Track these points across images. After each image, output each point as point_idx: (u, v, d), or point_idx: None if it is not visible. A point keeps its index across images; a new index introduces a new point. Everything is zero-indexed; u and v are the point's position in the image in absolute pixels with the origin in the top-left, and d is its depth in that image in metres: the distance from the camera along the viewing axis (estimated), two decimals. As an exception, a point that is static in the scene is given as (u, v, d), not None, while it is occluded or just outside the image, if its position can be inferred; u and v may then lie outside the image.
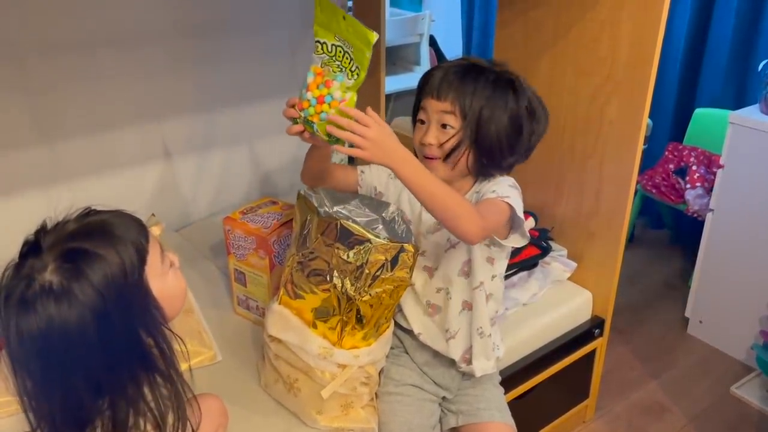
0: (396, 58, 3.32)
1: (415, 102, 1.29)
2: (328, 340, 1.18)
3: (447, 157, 1.22)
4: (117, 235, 0.85)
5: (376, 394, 1.32)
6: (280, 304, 1.23)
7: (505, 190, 1.21)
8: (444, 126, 1.21)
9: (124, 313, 0.83)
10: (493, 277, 1.32)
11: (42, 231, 0.85)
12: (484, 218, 1.13)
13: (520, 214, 1.21)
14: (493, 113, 1.19)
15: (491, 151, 1.21)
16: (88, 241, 0.83)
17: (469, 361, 1.33)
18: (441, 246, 1.30)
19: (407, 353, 1.38)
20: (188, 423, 0.91)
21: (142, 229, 0.89)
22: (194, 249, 1.84)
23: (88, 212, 0.88)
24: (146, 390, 0.87)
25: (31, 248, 0.83)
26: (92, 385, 0.83)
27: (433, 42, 3.28)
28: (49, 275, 0.81)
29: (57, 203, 1.84)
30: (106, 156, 1.81)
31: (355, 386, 1.23)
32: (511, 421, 1.35)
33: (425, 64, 3.30)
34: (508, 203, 1.19)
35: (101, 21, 1.67)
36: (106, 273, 0.81)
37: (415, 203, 1.30)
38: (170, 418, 0.89)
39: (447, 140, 1.21)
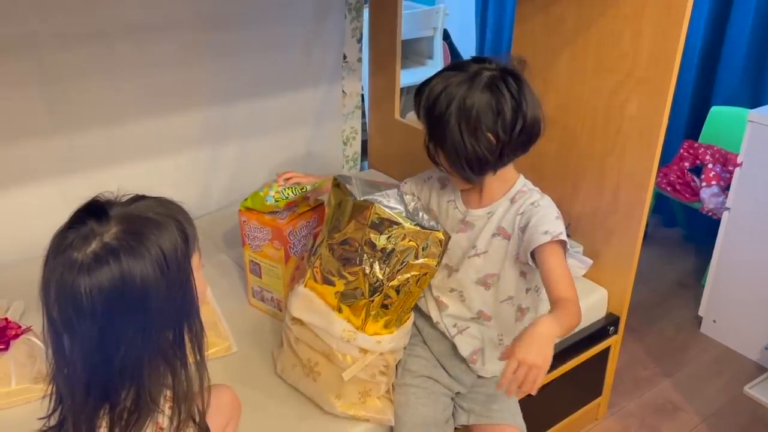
0: (409, 51, 3.30)
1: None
2: (352, 324, 1.19)
3: (429, 156, 1.25)
4: (176, 214, 0.88)
5: (392, 385, 1.32)
6: (305, 287, 1.24)
7: (554, 225, 1.21)
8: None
9: (179, 284, 0.85)
10: (528, 290, 1.32)
11: (99, 201, 0.86)
12: (573, 299, 1.15)
13: (566, 238, 1.22)
14: (450, 110, 1.17)
15: (456, 149, 1.19)
16: (152, 212, 0.85)
17: (478, 362, 1.34)
18: (463, 250, 1.31)
19: (425, 343, 1.39)
20: (196, 408, 0.91)
21: (191, 219, 0.92)
22: (208, 240, 1.84)
23: (145, 196, 0.90)
24: (179, 365, 0.87)
25: (94, 212, 0.83)
26: (138, 348, 0.83)
27: (446, 36, 3.27)
28: (119, 234, 0.81)
29: (71, 193, 1.86)
30: (120, 147, 1.82)
31: (375, 373, 1.24)
32: (523, 425, 1.34)
33: (438, 58, 3.28)
34: (561, 241, 1.19)
35: (118, 13, 1.68)
36: (172, 241, 0.84)
37: (442, 202, 1.35)
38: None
39: (426, 144, 1.25)
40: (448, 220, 1.33)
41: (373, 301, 1.17)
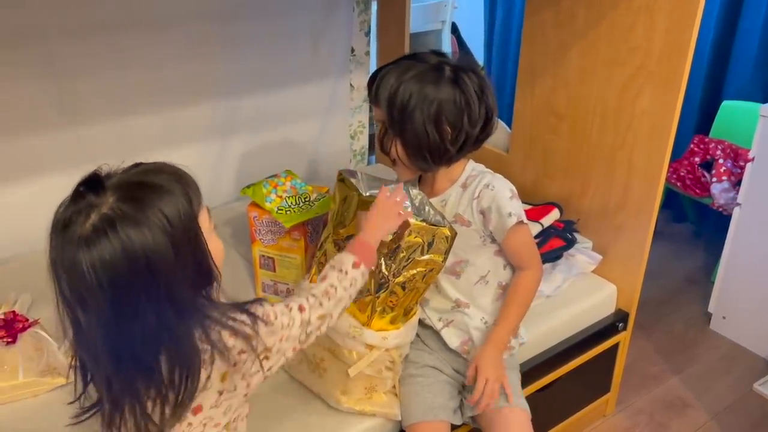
0: (417, 45, 3.27)
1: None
2: (358, 320, 1.19)
3: (381, 148, 1.25)
4: (176, 175, 0.86)
5: (398, 380, 1.32)
6: (310, 282, 1.23)
7: (512, 205, 1.25)
8: (381, 122, 1.25)
9: (189, 247, 0.83)
10: (505, 266, 1.35)
11: (96, 174, 0.84)
12: (533, 266, 1.32)
13: (524, 217, 1.28)
14: (415, 101, 1.17)
15: (419, 138, 1.20)
16: (150, 177, 0.84)
17: (471, 352, 1.34)
18: None
19: (423, 341, 1.39)
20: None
21: (191, 179, 0.89)
22: (216, 234, 1.83)
23: (143, 162, 0.88)
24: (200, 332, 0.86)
25: (91, 185, 0.81)
26: (157, 317, 0.81)
27: (455, 29, 3.25)
28: (116, 204, 0.79)
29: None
30: (128, 139, 1.81)
31: (381, 369, 1.23)
32: (526, 406, 1.34)
33: (447, 51, 3.26)
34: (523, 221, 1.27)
35: (127, 5, 1.67)
36: (173, 203, 0.82)
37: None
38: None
39: (381, 137, 1.25)
40: None
41: (378, 297, 1.17)
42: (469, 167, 1.32)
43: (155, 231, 0.79)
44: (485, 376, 1.24)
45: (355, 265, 1.04)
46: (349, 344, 1.20)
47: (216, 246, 0.91)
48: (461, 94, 1.19)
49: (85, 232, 0.78)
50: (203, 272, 0.87)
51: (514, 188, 1.28)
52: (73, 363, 0.90)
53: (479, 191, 1.26)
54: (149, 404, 0.86)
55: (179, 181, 0.85)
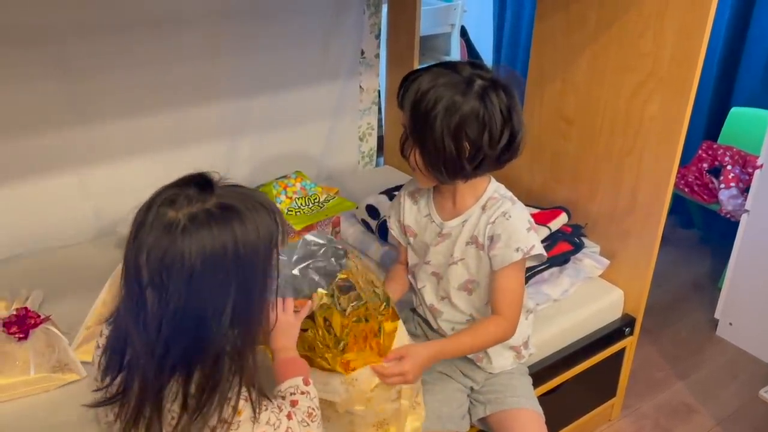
0: (426, 48, 3.29)
1: None
2: (340, 372, 1.13)
3: (402, 152, 1.24)
4: (275, 211, 0.91)
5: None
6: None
7: (525, 240, 1.21)
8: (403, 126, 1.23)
9: (264, 265, 0.89)
10: None
11: (207, 175, 0.89)
12: (508, 318, 1.23)
13: (541, 250, 1.23)
14: (437, 111, 1.14)
15: (437, 149, 1.17)
16: (255, 195, 0.90)
17: (483, 360, 1.35)
18: (446, 258, 1.31)
19: None
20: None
21: (284, 218, 0.96)
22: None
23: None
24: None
25: (199, 184, 0.87)
26: (222, 315, 0.85)
27: (464, 33, 3.26)
28: (218, 204, 0.85)
29: (90, 184, 1.87)
30: (138, 138, 1.83)
31: (386, 403, 1.17)
32: (539, 409, 1.34)
33: (456, 55, 3.27)
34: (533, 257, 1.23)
35: (139, 5, 1.68)
36: (267, 225, 0.88)
37: (420, 218, 1.34)
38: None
39: (402, 141, 1.23)
40: (427, 234, 1.32)
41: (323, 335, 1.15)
42: (491, 188, 1.27)
43: (250, 230, 0.85)
44: (405, 370, 1.13)
45: (306, 383, 1.04)
46: (355, 399, 1.14)
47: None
48: (485, 110, 1.14)
49: (183, 218, 0.83)
50: (268, 291, 0.92)
51: (531, 219, 1.25)
52: (103, 349, 0.92)
53: (495, 218, 1.23)
54: (167, 412, 0.88)
55: (274, 212, 0.90)
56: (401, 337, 1.18)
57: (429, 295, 1.35)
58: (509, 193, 1.28)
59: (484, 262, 1.26)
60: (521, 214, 1.24)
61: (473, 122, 1.14)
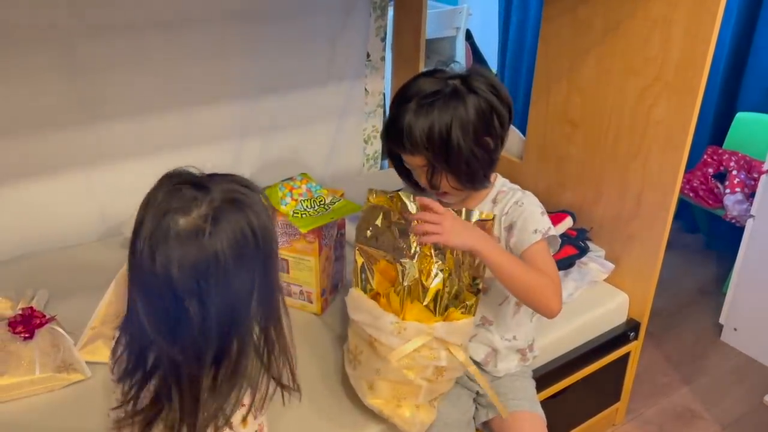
0: (431, 51, 3.28)
1: (388, 148, 1.28)
2: (393, 311, 1.16)
3: (432, 187, 1.24)
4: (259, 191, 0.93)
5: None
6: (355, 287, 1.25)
7: (542, 222, 1.22)
8: (422, 167, 1.23)
9: (269, 255, 0.89)
10: None
11: (196, 175, 0.90)
12: (556, 283, 1.19)
13: (556, 233, 1.24)
14: (452, 131, 1.16)
15: (469, 163, 1.19)
16: (247, 189, 0.90)
17: (490, 364, 1.35)
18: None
19: None
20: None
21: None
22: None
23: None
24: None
25: (192, 183, 0.87)
26: (233, 312, 0.86)
27: (469, 36, 3.25)
28: (221, 195, 0.86)
29: (98, 184, 1.87)
30: (146, 139, 1.83)
31: (418, 373, 1.17)
32: (541, 412, 1.34)
33: (461, 58, 3.27)
34: (549, 238, 1.23)
35: (148, 5, 1.69)
36: (265, 213, 0.89)
37: None
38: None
39: (429, 177, 1.22)
40: None
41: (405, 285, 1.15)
42: (499, 182, 1.31)
43: (259, 211, 0.87)
44: (441, 218, 1.11)
45: None
46: (394, 343, 1.14)
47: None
48: (481, 100, 1.18)
49: (202, 222, 0.83)
50: (275, 284, 0.92)
51: (543, 207, 1.27)
52: (122, 344, 0.92)
53: (508, 208, 1.25)
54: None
55: (258, 190, 0.92)
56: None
57: None
58: (516, 186, 1.31)
59: None
60: (533, 200, 1.26)
61: (482, 118, 1.18)
